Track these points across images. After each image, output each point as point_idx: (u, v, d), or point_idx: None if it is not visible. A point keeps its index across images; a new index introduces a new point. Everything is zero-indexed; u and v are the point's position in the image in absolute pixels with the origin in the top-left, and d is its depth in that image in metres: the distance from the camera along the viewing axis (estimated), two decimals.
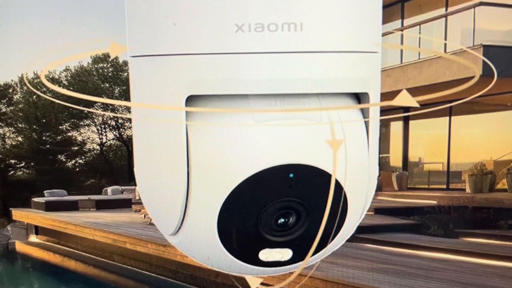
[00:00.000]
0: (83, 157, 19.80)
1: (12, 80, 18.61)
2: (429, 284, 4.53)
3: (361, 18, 0.76)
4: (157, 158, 0.79)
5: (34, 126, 18.72)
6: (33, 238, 12.58)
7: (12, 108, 19.04)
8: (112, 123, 19.49)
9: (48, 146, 18.97)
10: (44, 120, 18.66)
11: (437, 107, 0.84)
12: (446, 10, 9.78)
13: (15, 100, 19.08)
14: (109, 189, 14.25)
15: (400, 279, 4.67)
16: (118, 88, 18.92)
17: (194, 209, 0.78)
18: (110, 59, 18.36)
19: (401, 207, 8.74)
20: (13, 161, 19.04)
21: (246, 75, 0.75)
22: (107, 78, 19.12)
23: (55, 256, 10.93)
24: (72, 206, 12.58)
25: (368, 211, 0.82)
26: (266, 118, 0.76)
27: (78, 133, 19.53)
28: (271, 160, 0.76)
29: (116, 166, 19.57)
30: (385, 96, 0.77)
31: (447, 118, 10.06)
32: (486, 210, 7.78)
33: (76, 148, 19.57)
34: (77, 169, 19.67)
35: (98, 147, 19.89)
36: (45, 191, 13.90)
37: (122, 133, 19.38)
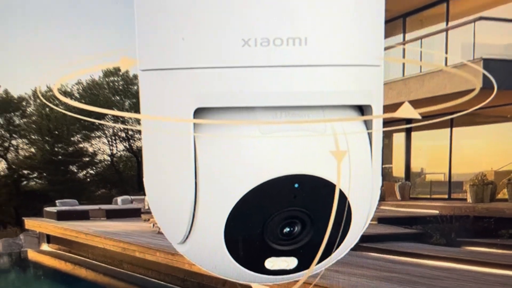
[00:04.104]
0: (94, 168, 19.95)
1: (25, 93, 18.93)
2: None
3: (364, 33, 0.78)
4: (165, 169, 0.81)
5: (47, 138, 18.94)
6: (45, 246, 12.66)
7: (25, 120, 19.30)
8: (122, 135, 19.66)
9: (60, 157, 19.16)
10: (56, 132, 18.87)
11: (438, 119, 0.85)
12: (447, 24, 9.81)
13: (28, 112, 19.36)
14: (119, 199, 14.31)
15: (403, 287, 4.62)
16: (128, 101, 19.11)
17: (201, 218, 0.79)
18: (120, 73, 18.58)
19: (404, 216, 8.71)
20: (26, 172, 19.24)
21: (253, 88, 0.76)
22: (118, 91, 19.32)
23: (66, 264, 10.97)
24: (83, 216, 12.64)
25: (371, 220, 0.83)
26: (272, 129, 0.78)
27: (90, 144, 19.74)
28: (277, 170, 0.77)
29: (126, 176, 19.68)
30: (387, 108, 0.79)
31: (449, 129, 10.05)
32: (487, 220, 7.73)
33: (87, 159, 19.73)
34: (88, 180, 19.82)
35: (108, 158, 20.05)
36: (57, 201, 14.01)
37: (132, 144, 19.52)
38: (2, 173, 18.53)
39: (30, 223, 13.26)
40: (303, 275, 0.82)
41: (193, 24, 0.75)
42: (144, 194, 0.86)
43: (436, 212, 8.35)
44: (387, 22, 0.77)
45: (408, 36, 10.63)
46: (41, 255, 12.29)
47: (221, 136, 0.77)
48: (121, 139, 19.95)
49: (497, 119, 9.64)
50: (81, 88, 19.28)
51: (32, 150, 19.46)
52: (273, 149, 0.76)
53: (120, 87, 19.44)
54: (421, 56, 7.54)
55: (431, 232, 7.74)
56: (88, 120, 0.97)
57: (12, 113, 19.14)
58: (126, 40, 0.86)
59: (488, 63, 7.83)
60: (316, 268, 0.81)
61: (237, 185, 0.75)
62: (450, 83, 7.64)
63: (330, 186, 0.76)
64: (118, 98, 19.42)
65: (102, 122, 16.90)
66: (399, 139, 11.39)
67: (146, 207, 11.98)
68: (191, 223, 0.78)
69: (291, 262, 0.80)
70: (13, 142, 19.39)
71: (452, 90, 7.58)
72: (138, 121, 0.85)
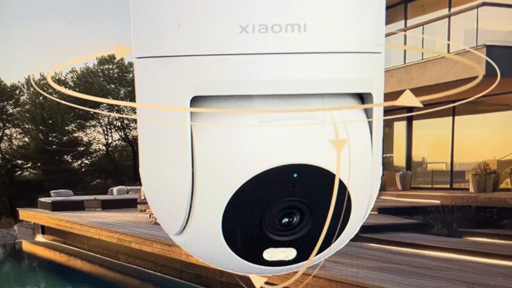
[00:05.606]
0: (89, 158, 19.89)
1: (19, 82, 18.74)
2: (433, 283, 4.52)
3: (365, 19, 0.77)
4: (162, 158, 0.79)
5: (41, 127, 18.83)
6: (39, 237, 12.66)
7: (19, 109, 19.17)
8: (117, 124, 19.56)
9: (54, 146, 19.07)
10: (50, 121, 18.76)
11: (440, 107, 0.84)
12: (449, 10, 9.75)
13: (22, 101, 19.21)
14: (115, 189, 14.29)
15: (404, 278, 4.66)
16: (124, 89, 18.99)
17: (198, 208, 0.78)
18: (115, 61, 18.42)
19: (405, 206, 8.73)
20: (20, 162, 19.17)
21: (250, 76, 0.75)
22: (113, 79, 19.18)
23: (61, 255, 10.99)
24: (78, 206, 12.64)
25: (372, 210, 0.82)
26: (270, 118, 0.77)
27: (84, 133, 19.63)
28: (275, 160, 0.76)
29: (121, 166, 19.64)
30: (388, 96, 0.78)
31: (451, 118, 10.04)
32: (490, 210, 7.75)
33: (82, 148, 19.66)
34: (83, 169, 19.77)
35: (103, 147, 19.98)
36: (51, 191, 13.97)
37: (128, 134, 19.44)
38: None
39: (25, 213, 13.23)
40: (302, 266, 0.81)
41: (189, 10, 0.73)
42: (140, 184, 0.85)
43: (437, 202, 8.37)
44: (388, 8, 0.75)
45: (410, 22, 10.55)
46: (35, 246, 12.29)
47: (218, 125, 0.75)
48: (116, 128, 19.87)
49: (500, 107, 9.61)
50: (75, 76, 19.13)
51: (26, 139, 19.35)
52: (272, 138, 0.75)
53: (115, 75, 19.30)
54: (423, 42, 7.50)
55: (432, 222, 7.77)
56: (83, 108, 0.95)
57: (5, 102, 18.99)
58: (121, 27, 0.84)
59: (491, 50, 7.77)
60: (315, 259, 0.81)
61: (235, 175, 0.74)
62: (453, 71, 7.60)
63: (330, 176, 0.75)
64: (113, 86, 19.28)
65: (97, 111, 16.81)
66: (400, 128, 11.38)
67: (142, 198, 11.98)
68: (188, 213, 0.78)
69: (290, 253, 0.80)
70: (7, 131, 19.27)
71: (454, 78, 7.53)
72: (133, 110, 0.83)
